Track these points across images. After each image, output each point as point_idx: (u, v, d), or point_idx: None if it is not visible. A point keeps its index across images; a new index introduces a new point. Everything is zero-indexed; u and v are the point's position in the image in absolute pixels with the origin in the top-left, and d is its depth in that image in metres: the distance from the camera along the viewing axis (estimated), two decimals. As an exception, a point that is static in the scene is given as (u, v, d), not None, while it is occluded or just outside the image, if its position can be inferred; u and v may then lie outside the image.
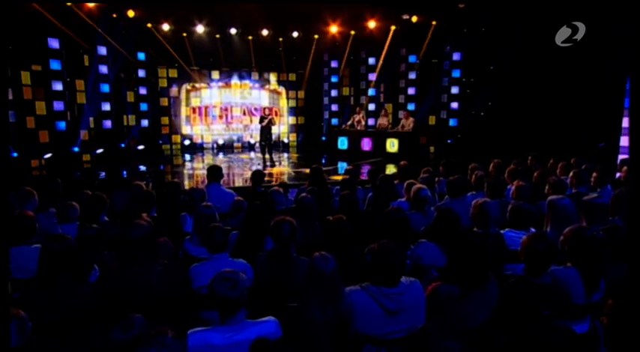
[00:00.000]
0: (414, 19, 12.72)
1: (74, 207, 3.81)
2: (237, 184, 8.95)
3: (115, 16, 11.83)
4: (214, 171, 5.33)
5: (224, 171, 10.26)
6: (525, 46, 10.74)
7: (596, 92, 9.58)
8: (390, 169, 10.97)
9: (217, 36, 14.34)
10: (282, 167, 11.12)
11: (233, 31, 14.23)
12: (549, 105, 10.54)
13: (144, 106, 13.55)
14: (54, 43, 10.70)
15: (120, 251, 2.54)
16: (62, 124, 10.97)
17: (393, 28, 13.63)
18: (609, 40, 8.65)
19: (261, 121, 11.13)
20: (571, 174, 5.08)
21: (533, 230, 3.63)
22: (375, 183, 5.47)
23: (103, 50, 12.06)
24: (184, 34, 13.81)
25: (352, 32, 14.32)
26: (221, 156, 13.72)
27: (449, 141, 13.59)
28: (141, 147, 13.28)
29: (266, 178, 9.84)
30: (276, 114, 11.16)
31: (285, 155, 13.92)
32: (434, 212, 4.36)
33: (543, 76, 10.53)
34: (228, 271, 2.08)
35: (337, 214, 4.14)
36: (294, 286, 2.73)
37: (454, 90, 13.68)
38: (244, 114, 16.04)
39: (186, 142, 15.09)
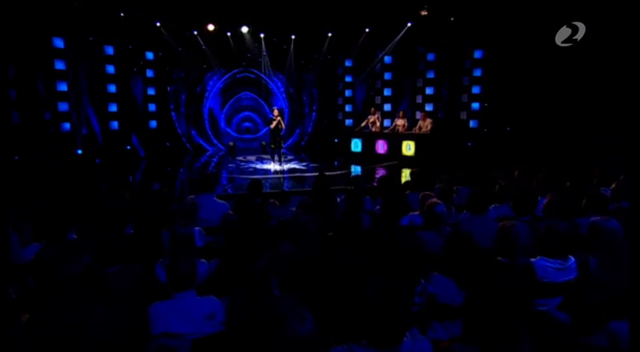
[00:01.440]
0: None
1: (25, 228, 3.35)
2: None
3: (122, 14, 11.54)
4: (205, 181, 4.82)
5: (231, 175, 9.92)
6: (528, 47, 10.70)
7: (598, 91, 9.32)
8: (406, 174, 10.33)
9: (228, 34, 13.94)
10: (293, 166, 10.60)
11: (244, 29, 13.80)
12: (560, 104, 10.24)
13: (152, 107, 13.23)
14: (59, 43, 10.42)
15: (46, 289, 2.04)
16: (67, 125, 10.70)
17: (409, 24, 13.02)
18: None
19: (269, 123, 10.64)
20: (613, 185, 4.39)
21: (572, 259, 3.00)
22: (384, 195, 4.87)
23: (110, 49, 11.76)
24: (195, 33, 13.49)
25: (366, 30, 13.74)
26: (230, 158, 13.28)
27: (469, 143, 12.85)
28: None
29: (274, 175, 9.44)
30: (281, 123, 10.61)
31: (293, 156, 13.42)
32: (450, 231, 3.77)
33: (547, 76, 10.37)
34: (170, 339, 1.54)
35: (336, 235, 3.61)
36: (271, 335, 2.17)
37: (475, 89, 12.93)
38: (255, 114, 15.63)
39: (195, 144, 14.74)
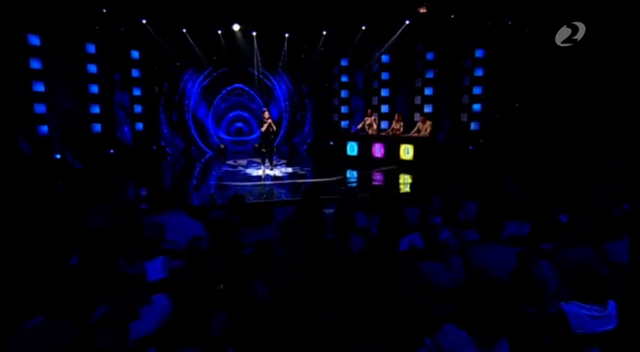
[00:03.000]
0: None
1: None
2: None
3: (104, 10, 10.92)
4: (176, 194, 4.22)
5: (220, 181, 9.28)
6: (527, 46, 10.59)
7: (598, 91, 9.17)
8: (404, 179, 9.76)
9: (219, 32, 13.35)
10: (285, 171, 10.00)
11: (236, 27, 13.19)
12: (560, 104, 10.04)
13: (138, 108, 12.60)
14: (34, 40, 9.78)
15: None
16: (44, 129, 10.06)
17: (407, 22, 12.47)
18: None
19: (260, 126, 10.04)
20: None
21: (612, 304, 2.42)
22: (381, 213, 4.28)
23: (91, 48, 11.13)
24: (184, 30, 12.89)
25: (363, 27, 13.16)
26: (220, 162, 12.67)
27: (470, 147, 12.28)
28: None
29: (263, 181, 8.79)
30: (274, 126, 10.01)
31: (286, 161, 12.83)
32: (458, 261, 3.18)
33: (546, 76, 10.18)
34: None
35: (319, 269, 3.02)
36: None
37: (476, 90, 12.36)
38: (248, 115, 15.05)
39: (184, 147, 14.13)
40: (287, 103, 15.11)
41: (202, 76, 14.16)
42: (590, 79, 9.31)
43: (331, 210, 6.54)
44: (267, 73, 14.73)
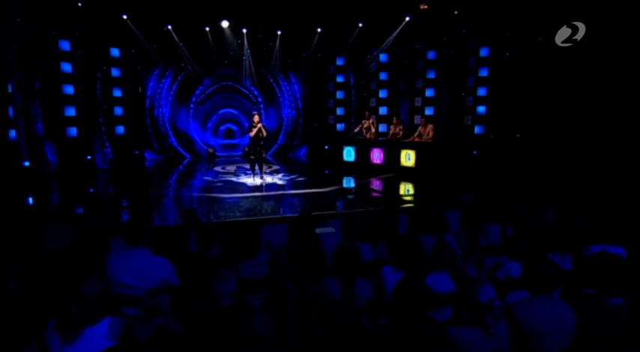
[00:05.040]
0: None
1: None
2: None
3: (80, 4, 10.02)
4: (140, 226, 3.37)
5: (206, 193, 8.38)
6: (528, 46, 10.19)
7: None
8: (405, 187, 8.99)
9: (207, 29, 12.50)
10: (276, 180, 9.18)
11: (225, 23, 12.35)
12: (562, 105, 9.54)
13: (118, 110, 11.69)
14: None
15: None
16: (12, 133, 9.14)
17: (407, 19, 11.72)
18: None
19: (249, 130, 9.20)
20: None
21: None
22: (389, 244, 3.49)
23: (65, 45, 10.22)
24: (169, 27, 12.02)
25: (360, 24, 12.37)
26: (207, 168, 11.82)
27: (475, 152, 11.54)
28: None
29: (252, 193, 7.88)
30: (264, 131, 9.16)
31: (278, 166, 12.02)
32: (503, 328, 2.38)
33: (547, 76, 9.77)
34: None
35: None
36: None
37: (481, 91, 11.62)
38: (238, 117, 14.22)
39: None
40: (292, 111, 14.34)
41: (171, 75, 13.39)
42: (589, 78, 8.89)
43: (326, 229, 5.77)
44: (269, 73, 13.97)
